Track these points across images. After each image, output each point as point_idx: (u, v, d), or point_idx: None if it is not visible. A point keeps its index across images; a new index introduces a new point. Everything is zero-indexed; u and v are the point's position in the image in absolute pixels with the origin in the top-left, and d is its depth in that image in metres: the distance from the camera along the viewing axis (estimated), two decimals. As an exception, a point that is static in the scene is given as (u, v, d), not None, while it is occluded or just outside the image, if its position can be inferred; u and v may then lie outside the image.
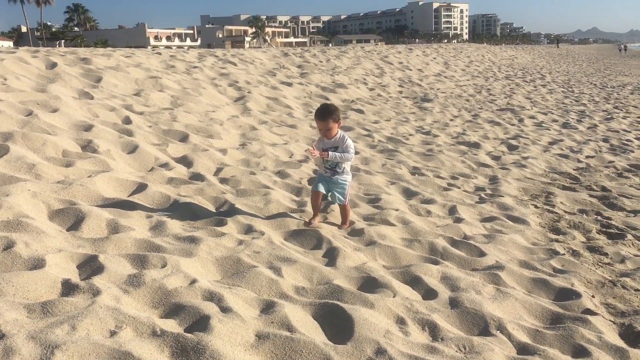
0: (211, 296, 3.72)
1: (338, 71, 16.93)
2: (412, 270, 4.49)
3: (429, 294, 4.21)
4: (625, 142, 11.41)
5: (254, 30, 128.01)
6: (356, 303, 3.85)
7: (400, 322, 3.72)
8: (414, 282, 4.35)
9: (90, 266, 3.93)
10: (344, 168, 5.24)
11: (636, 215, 6.62)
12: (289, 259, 4.40)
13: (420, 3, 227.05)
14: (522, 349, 3.60)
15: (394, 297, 4.04)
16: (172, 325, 3.36)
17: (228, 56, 15.94)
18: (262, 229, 4.97)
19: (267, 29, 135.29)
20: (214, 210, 5.42)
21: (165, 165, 6.52)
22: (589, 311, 4.14)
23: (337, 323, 3.60)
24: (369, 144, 9.21)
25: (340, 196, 5.23)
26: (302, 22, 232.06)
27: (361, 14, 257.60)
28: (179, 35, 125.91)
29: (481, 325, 3.81)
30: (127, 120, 7.90)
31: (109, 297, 3.52)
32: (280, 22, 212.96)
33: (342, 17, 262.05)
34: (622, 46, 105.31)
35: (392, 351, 3.30)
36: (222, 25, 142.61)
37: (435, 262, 4.74)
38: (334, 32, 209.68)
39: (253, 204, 5.62)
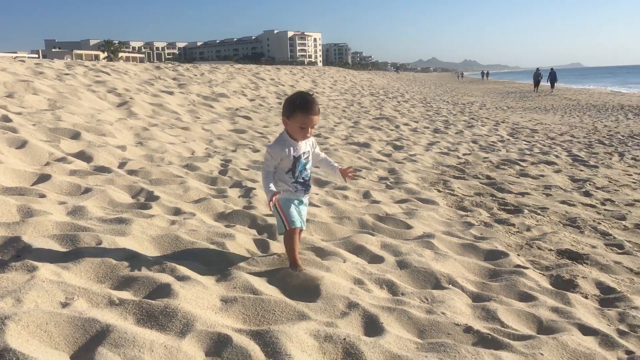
0: (162, 268, 3.44)
1: (215, 84, 16.70)
2: (353, 240, 4.50)
3: (376, 259, 4.24)
4: (491, 144, 12.47)
5: (106, 54, 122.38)
6: (313, 267, 3.77)
7: (359, 282, 3.70)
8: (358, 250, 4.36)
9: (14, 247, 3.47)
10: None
11: (524, 196, 7.22)
12: (230, 235, 4.21)
13: (276, 31, 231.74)
14: (477, 297, 3.74)
15: (344, 262, 4.01)
16: (128, 296, 3.05)
17: (98, 67, 15.07)
18: (191, 211, 4.71)
19: (121, 54, 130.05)
20: (132, 197, 5.04)
21: (62, 160, 5.95)
22: (520, 266, 4.41)
23: (299, 286, 3.49)
24: (265, 144, 9.14)
25: (304, 217, 3.83)
26: (157, 48, 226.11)
27: (217, 41, 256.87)
28: (22, 60, 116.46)
29: (433, 281, 3.90)
30: (6, 119, 7.12)
31: (49, 272, 3.12)
32: (134, 48, 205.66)
33: (199, 43, 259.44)
34: (460, 73, 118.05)
35: (363, 304, 3.28)
36: (70, 50, 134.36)
37: (371, 234, 4.78)
38: (191, 58, 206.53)
39: (172, 191, 5.31)
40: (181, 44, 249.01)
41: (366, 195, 6.33)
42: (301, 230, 3.83)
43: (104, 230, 3.94)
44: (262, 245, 4.20)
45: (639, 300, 3.96)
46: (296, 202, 3.69)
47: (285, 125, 3.65)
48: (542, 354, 2.96)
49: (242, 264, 3.78)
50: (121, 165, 6.22)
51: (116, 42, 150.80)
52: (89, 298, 2.91)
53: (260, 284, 3.45)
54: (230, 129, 10.22)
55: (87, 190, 4.91)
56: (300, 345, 2.72)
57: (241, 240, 4.18)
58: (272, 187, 3.49)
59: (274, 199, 3.44)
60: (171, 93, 12.92)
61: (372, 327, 3.07)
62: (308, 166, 3.75)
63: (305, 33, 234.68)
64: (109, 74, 13.90)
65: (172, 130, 9.09)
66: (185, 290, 3.10)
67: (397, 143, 11.08)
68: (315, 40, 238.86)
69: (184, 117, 10.49)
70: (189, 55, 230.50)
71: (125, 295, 3.04)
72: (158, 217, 4.41)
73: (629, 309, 3.80)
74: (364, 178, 7.40)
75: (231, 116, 11.77)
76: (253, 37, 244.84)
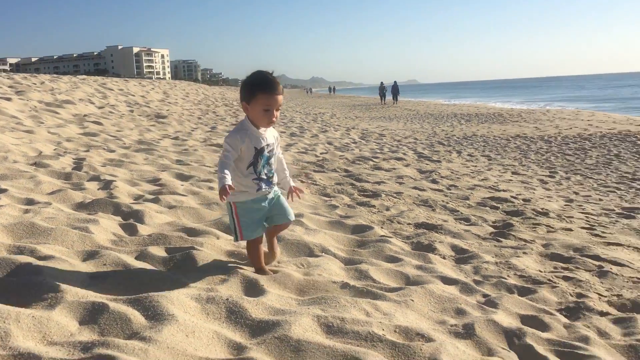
0: (20, 250, 3.17)
1: (58, 92, 15.60)
2: (224, 220, 4.46)
3: (249, 235, 4.24)
4: (345, 144, 13.06)
5: None
6: (186, 244, 3.69)
7: (234, 255, 3.69)
8: (230, 229, 4.33)
9: None
10: None
11: (380, 184, 7.64)
12: (93, 220, 3.98)
13: (120, 47, 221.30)
14: (349, 261, 3.90)
15: (218, 239, 3.97)
16: (-17, 277, 2.76)
17: None
18: (46, 201, 4.37)
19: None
20: (-27, 192, 4.56)
21: None
22: (384, 236, 4.67)
23: (174, 262, 3.40)
24: (120, 146, 8.73)
25: (288, 207, 3.49)
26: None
27: (55, 57, 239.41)
28: None
29: (307, 251, 4.00)
30: None
31: None
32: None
33: (34, 59, 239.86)
34: (309, 89, 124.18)
35: (242, 271, 3.27)
36: None
37: (241, 216, 4.78)
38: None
39: (21, 185, 4.89)
40: (13, 60, 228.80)
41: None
42: (288, 223, 3.48)
43: (-56, 220, 3.53)
44: (130, 229, 4.03)
45: (489, 257, 4.38)
46: (258, 205, 3.23)
47: (245, 112, 3.19)
48: (412, 300, 3.17)
49: (109, 245, 3.60)
50: (-45, 164, 5.61)
51: None
52: None
53: (132, 260, 3.31)
54: (80, 133, 9.62)
55: None
56: (183, 307, 2.66)
57: (106, 225, 3.97)
58: (228, 178, 2.98)
59: (226, 193, 2.93)
60: (8, 99, 11.87)
61: (253, 289, 3.08)
62: (272, 160, 3.28)
63: (152, 49, 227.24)
64: None
65: (13, 133, 8.35)
66: (49, 268, 2.88)
67: (256, 145, 11.17)
68: (163, 56, 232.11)
69: (25, 121, 9.68)
70: (23, 72, 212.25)
71: (-21, 276, 2.75)
72: (8, 206, 4.05)
73: (481, 263, 4.19)
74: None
75: (79, 122, 11.08)
76: (95, 53, 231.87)
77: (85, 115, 12.05)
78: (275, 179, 3.34)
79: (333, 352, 2.40)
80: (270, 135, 3.27)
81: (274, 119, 3.15)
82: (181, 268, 3.30)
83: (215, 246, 3.75)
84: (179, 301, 2.69)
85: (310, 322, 2.65)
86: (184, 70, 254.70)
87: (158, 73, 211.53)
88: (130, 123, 12.17)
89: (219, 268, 3.28)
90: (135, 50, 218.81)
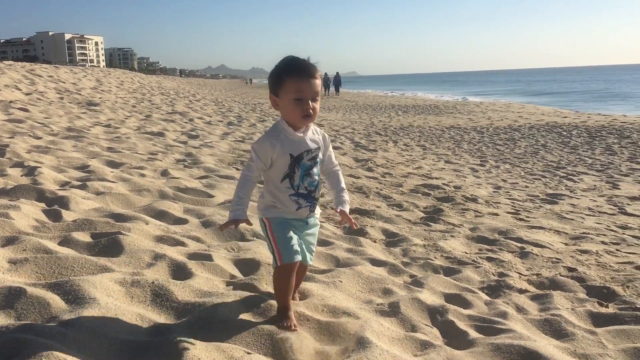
0: None
1: (-20, 77, 14.85)
2: (154, 206, 4.40)
3: (180, 221, 4.21)
4: (284, 134, 13.04)
5: None
6: (113, 229, 3.61)
7: (163, 240, 3.64)
8: (160, 215, 4.28)
9: None
10: None
11: (316, 172, 7.69)
12: (14, 206, 3.83)
13: (51, 33, 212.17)
14: (280, 245, 3.90)
15: (147, 224, 3.90)
16: None
17: None
18: (-37, 187, 4.16)
19: None
20: None
21: None
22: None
23: (100, 247, 3.32)
24: (47, 133, 8.39)
25: (314, 247, 2.74)
26: None
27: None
28: None
29: (238, 235, 4.00)
30: None
31: None
32: None
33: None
34: (249, 80, 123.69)
35: (171, 254, 3.24)
36: None
37: (173, 202, 4.71)
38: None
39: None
40: None
41: (164, 173, 6.19)
42: (305, 266, 2.72)
43: None
44: (54, 215, 3.90)
45: (418, 240, 4.51)
46: (296, 224, 2.56)
47: (276, 108, 2.51)
48: (341, 281, 3.22)
49: (31, 231, 3.47)
50: None
51: None
52: None
53: (55, 245, 3.21)
54: (4, 119, 9.18)
55: None
56: (106, 291, 2.60)
57: (28, 211, 3.83)
58: (242, 209, 2.46)
59: (237, 224, 2.45)
60: None
61: (181, 272, 3.05)
62: (315, 170, 2.57)
63: (86, 36, 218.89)
64: None
65: None
66: (-37, 254, 2.76)
67: (193, 133, 10.99)
68: (97, 43, 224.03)
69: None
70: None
71: None
72: None
73: (410, 246, 4.31)
74: (161, 161, 7.19)
75: (4, 108, 10.58)
76: (24, 39, 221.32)
77: (10, 102, 11.51)
78: (318, 194, 2.63)
79: (258, 331, 2.42)
80: (313, 139, 2.56)
81: (310, 112, 2.44)
82: (107, 253, 3.22)
83: (144, 231, 3.69)
84: (102, 285, 2.64)
85: (237, 304, 2.65)
86: (119, 59, 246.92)
87: (92, 61, 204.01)
88: (59, 110, 11.72)
89: (146, 253, 3.23)
90: (68, 36, 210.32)
